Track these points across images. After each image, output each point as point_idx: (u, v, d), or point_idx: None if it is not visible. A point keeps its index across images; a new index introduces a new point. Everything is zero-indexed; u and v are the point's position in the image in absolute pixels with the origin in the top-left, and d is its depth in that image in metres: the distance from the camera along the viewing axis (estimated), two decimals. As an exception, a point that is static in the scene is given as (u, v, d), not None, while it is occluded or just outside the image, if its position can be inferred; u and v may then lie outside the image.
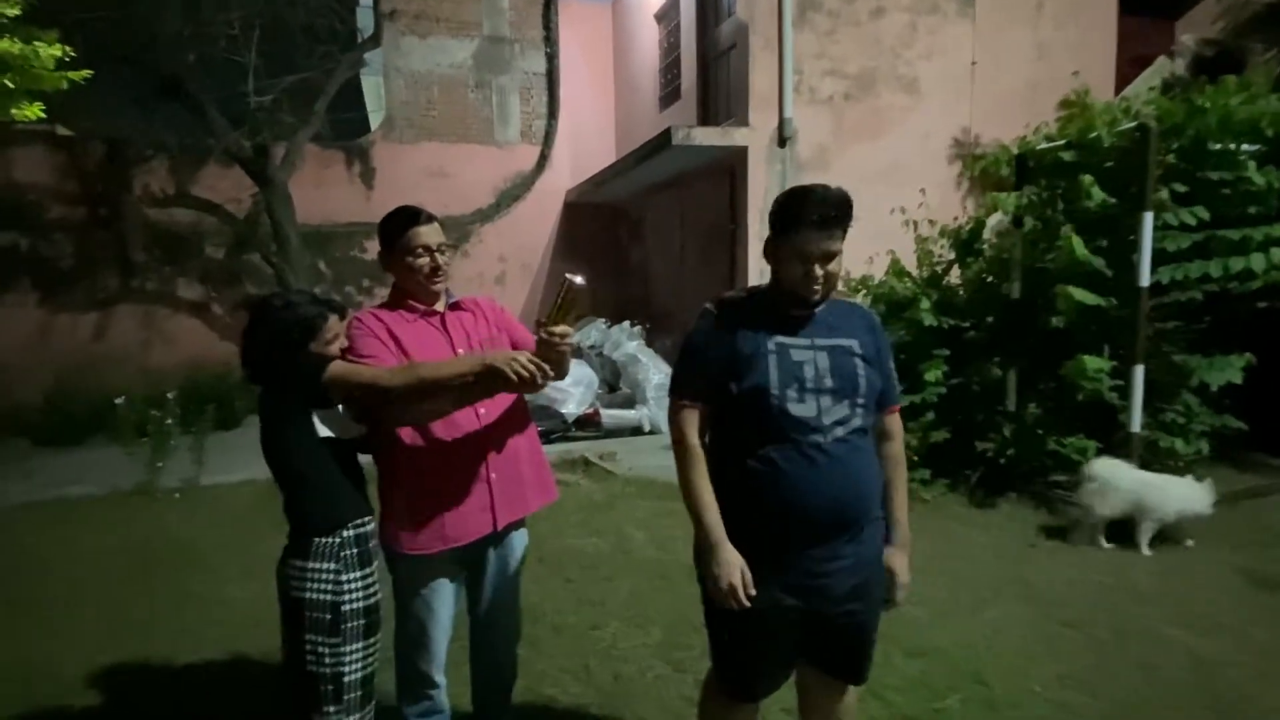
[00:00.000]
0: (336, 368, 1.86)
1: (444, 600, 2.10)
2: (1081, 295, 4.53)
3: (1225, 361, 4.62)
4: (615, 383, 7.83)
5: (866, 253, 6.18)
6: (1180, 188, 4.71)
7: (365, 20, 9.09)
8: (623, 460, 5.94)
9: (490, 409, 2.05)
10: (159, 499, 5.39)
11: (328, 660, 1.84)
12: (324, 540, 1.86)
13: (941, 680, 2.78)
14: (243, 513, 4.99)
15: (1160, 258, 4.59)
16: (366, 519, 1.96)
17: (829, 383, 1.72)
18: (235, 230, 8.89)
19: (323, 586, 1.83)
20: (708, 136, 7.16)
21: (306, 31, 7.95)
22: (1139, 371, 4.30)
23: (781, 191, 1.76)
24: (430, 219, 2.06)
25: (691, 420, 1.79)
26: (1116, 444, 4.56)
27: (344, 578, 1.85)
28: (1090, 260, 4.61)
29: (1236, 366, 4.57)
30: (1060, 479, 4.89)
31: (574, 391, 6.76)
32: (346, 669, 1.85)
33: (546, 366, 1.86)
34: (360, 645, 1.88)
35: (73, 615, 3.53)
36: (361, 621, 1.87)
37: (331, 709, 1.85)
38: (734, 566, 1.67)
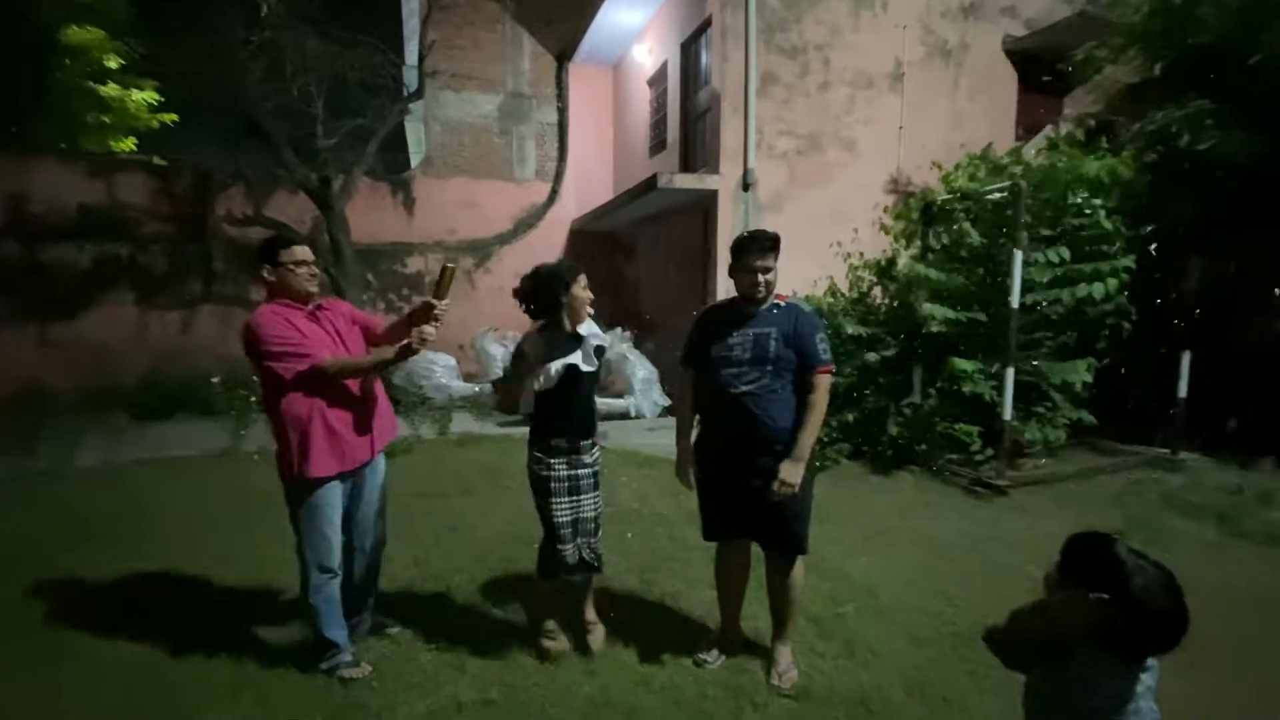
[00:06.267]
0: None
1: (339, 510, 2.43)
2: (941, 312, 4.97)
3: (1074, 365, 4.96)
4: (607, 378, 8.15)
5: (812, 277, 6.57)
6: (1048, 231, 5.11)
7: (411, 77, 9.36)
8: (612, 438, 6.21)
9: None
10: (241, 460, 5.63)
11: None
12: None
13: (844, 595, 3.12)
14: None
15: (1030, 285, 4.94)
16: None
17: (747, 356, 2.32)
18: (300, 246, 9.12)
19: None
20: (686, 181, 7.45)
21: (363, 86, 8.27)
22: (1010, 373, 4.65)
23: (742, 230, 2.51)
24: (304, 242, 2.55)
25: (686, 379, 2.55)
26: (994, 431, 4.93)
27: None
28: (941, 281, 5.04)
29: (1082, 370, 4.92)
30: (950, 456, 5.24)
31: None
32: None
33: (430, 329, 2.30)
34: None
35: (189, 546, 3.72)
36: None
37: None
38: (685, 468, 2.54)
